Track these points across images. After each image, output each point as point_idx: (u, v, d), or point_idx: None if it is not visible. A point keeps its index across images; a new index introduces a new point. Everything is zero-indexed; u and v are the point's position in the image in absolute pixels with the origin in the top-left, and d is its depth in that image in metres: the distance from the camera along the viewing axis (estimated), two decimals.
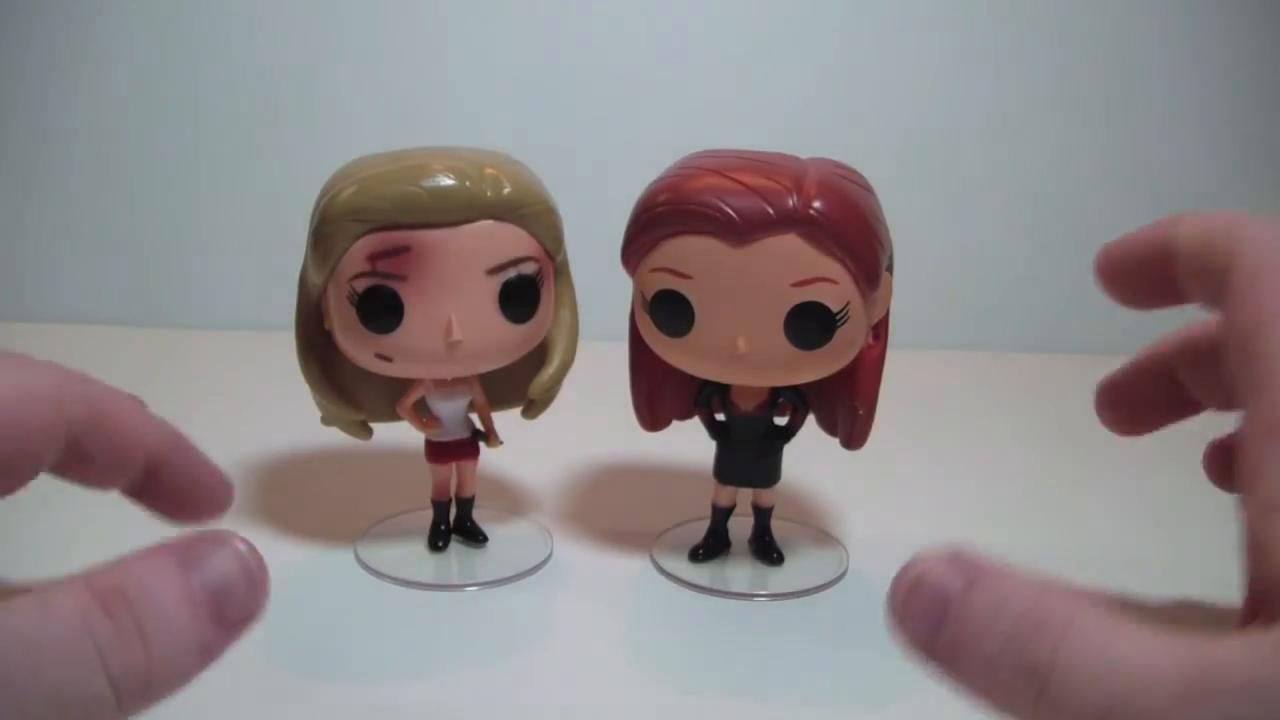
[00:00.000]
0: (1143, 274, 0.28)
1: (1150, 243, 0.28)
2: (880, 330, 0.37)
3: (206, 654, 0.21)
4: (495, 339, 0.35)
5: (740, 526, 0.40)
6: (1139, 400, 0.32)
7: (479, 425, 0.40)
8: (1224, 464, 0.32)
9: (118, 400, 0.27)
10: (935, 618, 0.22)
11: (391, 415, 0.39)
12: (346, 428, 0.39)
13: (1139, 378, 0.32)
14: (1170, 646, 0.19)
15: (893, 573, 0.41)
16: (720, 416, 0.39)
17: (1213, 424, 0.28)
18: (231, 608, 0.21)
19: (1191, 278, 0.26)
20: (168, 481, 0.29)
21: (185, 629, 0.20)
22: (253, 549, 0.23)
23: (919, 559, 0.22)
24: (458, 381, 0.38)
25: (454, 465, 0.40)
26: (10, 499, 0.25)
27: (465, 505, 0.40)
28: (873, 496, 0.46)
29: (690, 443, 0.40)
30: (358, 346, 0.35)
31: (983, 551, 0.22)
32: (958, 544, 0.22)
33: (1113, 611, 0.21)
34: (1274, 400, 0.22)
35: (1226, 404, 0.30)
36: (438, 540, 0.40)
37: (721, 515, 0.40)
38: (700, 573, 0.39)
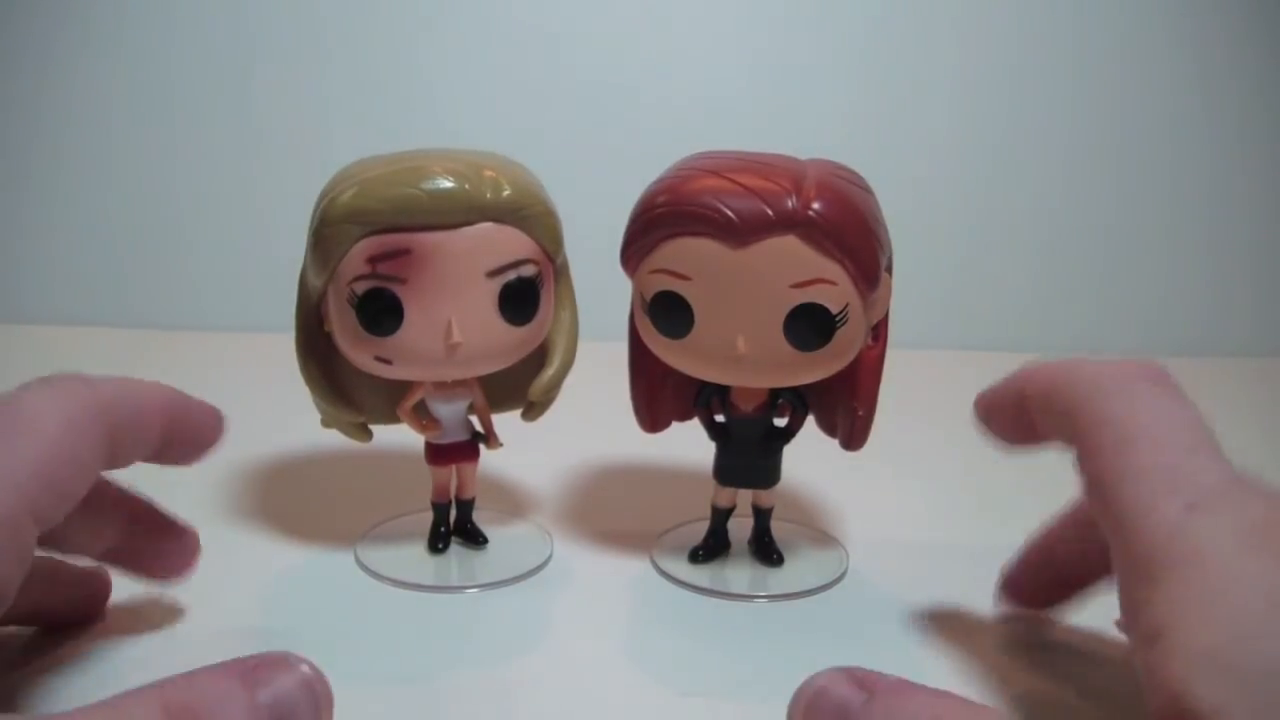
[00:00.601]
0: (1011, 420, 0.31)
1: (1010, 393, 0.29)
2: (880, 331, 0.37)
3: None
4: (495, 341, 0.35)
5: (740, 528, 0.40)
6: (1034, 590, 0.34)
7: (479, 427, 0.40)
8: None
9: (140, 392, 0.28)
10: None
11: (391, 417, 0.39)
12: (346, 430, 0.39)
13: (1027, 571, 0.34)
14: None
15: (893, 573, 0.42)
16: (720, 418, 0.39)
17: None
18: None
19: (1045, 424, 0.28)
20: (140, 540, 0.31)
21: None
22: (318, 673, 0.23)
23: (818, 677, 0.23)
24: (457, 384, 0.38)
25: (454, 467, 0.40)
26: None
27: (465, 507, 0.41)
28: (873, 497, 0.46)
29: (690, 444, 0.40)
30: (357, 349, 0.35)
31: (876, 672, 0.23)
32: (854, 666, 0.23)
33: None
34: (1131, 541, 0.23)
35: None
36: (437, 542, 0.40)
37: (721, 516, 0.40)
38: (700, 574, 0.39)
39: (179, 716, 0.20)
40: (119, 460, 0.27)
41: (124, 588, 0.36)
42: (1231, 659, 0.19)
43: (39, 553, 0.26)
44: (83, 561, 0.32)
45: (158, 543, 0.33)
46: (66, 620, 0.33)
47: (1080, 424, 0.26)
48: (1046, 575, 0.34)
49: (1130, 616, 0.23)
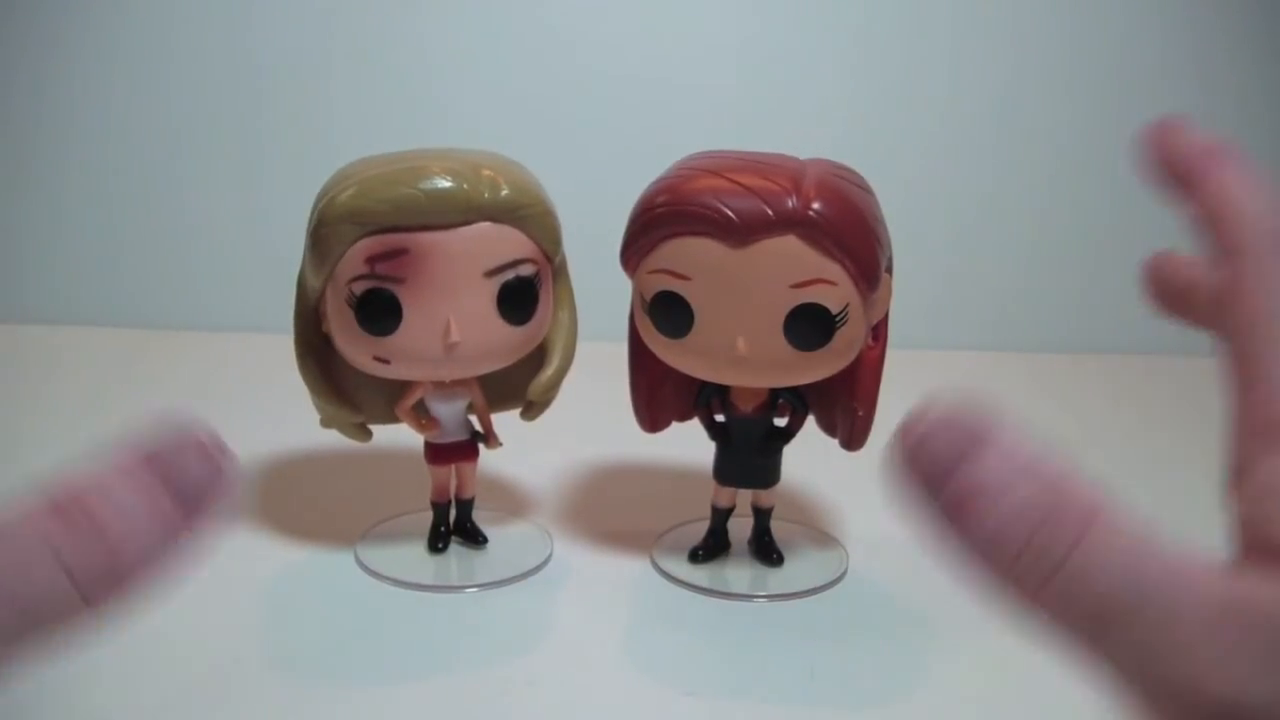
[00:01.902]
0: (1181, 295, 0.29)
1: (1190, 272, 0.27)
2: (880, 331, 0.37)
3: (172, 535, 0.20)
4: (494, 341, 0.35)
5: (740, 527, 0.40)
6: (1182, 291, 0.31)
7: (478, 427, 0.40)
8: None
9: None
10: (951, 462, 0.20)
11: (391, 417, 0.39)
12: (346, 430, 0.39)
13: (1183, 269, 0.31)
14: (1202, 559, 0.18)
15: (893, 573, 0.41)
16: (720, 418, 0.39)
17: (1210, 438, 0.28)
18: (188, 483, 0.21)
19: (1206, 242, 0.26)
20: None
21: (143, 511, 0.20)
22: (201, 425, 0.22)
23: (938, 402, 0.21)
24: (457, 383, 0.38)
25: (453, 467, 0.40)
26: None
27: (465, 507, 0.40)
28: (873, 497, 0.46)
29: (690, 444, 0.40)
30: (356, 349, 0.35)
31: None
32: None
33: (1139, 523, 0.20)
34: (1256, 401, 0.22)
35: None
36: (437, 541, 0.40)
37: (721, 516, 0.40)
38: (700, 574, 0.39)
39: (56, 496, 0.19)
40: None
41: None
42: None
43: None
44: None
45: None
46: None
47: (1238, 271, 0.25)
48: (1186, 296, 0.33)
49: (1237, 476, 0.21)
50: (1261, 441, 0.21)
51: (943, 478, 0.20)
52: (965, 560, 0.20)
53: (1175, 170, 0.27)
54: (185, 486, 0.21)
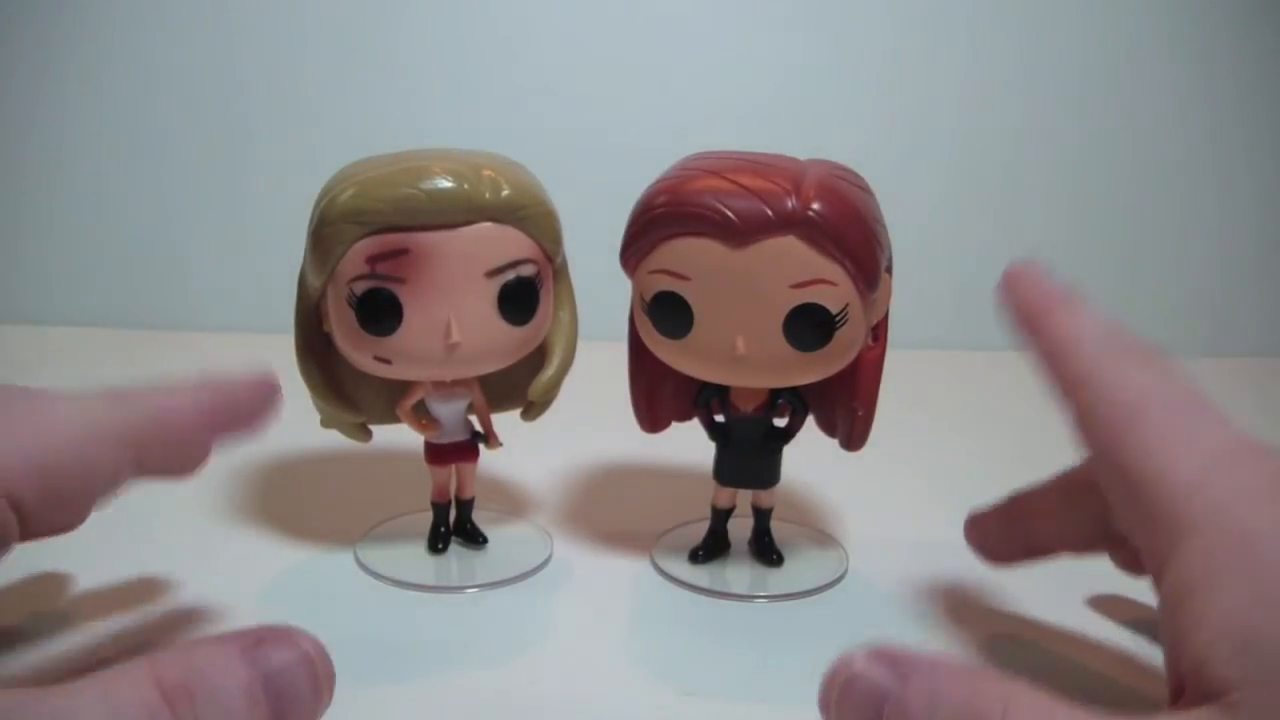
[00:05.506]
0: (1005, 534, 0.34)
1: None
2: (880, 331, 0.37)
3: None
4: (494, 341, 0.35)
5: (740, 528, 0.40)
6: (997, 539, 0.34)
7: (478, 427, 0.40)
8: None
9: (172, 406, 0.28)
10: (872, 716, 0.22)
11: (391, 417, 0.39)
12: (346, 430, 0.39)
13: (998, 520, 0.34)
14: None
15: (893, 573, 0.41)
16: (719, 418, 0.39)
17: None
18: (293, 711, 0.21)
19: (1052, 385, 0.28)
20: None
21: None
22: (319, 649, 0.22)
23: (847, 659, 0.23)
24: (457, 384, 0.38)
25: (453, 467, 0.40)
26: None
27: (465, 507, 0.40)
28: (872, 497, 0.46)
29: (690, 444, 0.40)
30: (356, 349, 0.35)
31: (905, 648, 0.23)
32: (880, 642, 0.23)
33: (1045, 700, 0.21)
34: (1151, 505, 0.23)
35: (1079, 548, 0.32)
36: (437, 542, 0.40)
37: (721, 516, 0.40)
38: (700, 574, 0.39)
39: (173, 694, 0.19)
40: (153, 470, 0.27)
41: (120, 585, 0.36)
42: (1256, 630, 0.19)
43: None
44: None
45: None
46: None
47: (1083, 398, 0.26)
48: (1014, 532, 0.35)
49: (1156, 578, 0.23)
50: (1165, 540, 0.22)
51: None
52: None
53: (1022, 315, 0.30)
54: (288, 707, 0.21)
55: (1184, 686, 0.20)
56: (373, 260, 0.33)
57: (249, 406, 0.30)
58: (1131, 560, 0.32)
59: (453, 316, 0.34)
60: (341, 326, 0.35)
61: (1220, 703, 0.19)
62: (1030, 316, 0.29)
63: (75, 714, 0.18)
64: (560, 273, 0.38)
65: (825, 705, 0.23)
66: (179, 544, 0.40)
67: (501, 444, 0.40)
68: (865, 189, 0.35)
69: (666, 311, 0.35)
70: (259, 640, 0.21)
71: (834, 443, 0.39)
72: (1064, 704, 0.21)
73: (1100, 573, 0.34)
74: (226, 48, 0.69)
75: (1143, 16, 0.70)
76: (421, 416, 0.39)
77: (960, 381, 0.65)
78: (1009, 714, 0.20)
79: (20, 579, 0.36)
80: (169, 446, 0.28)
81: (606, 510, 0.45)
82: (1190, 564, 0.21)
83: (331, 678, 0.22)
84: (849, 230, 0.33)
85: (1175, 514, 0.22)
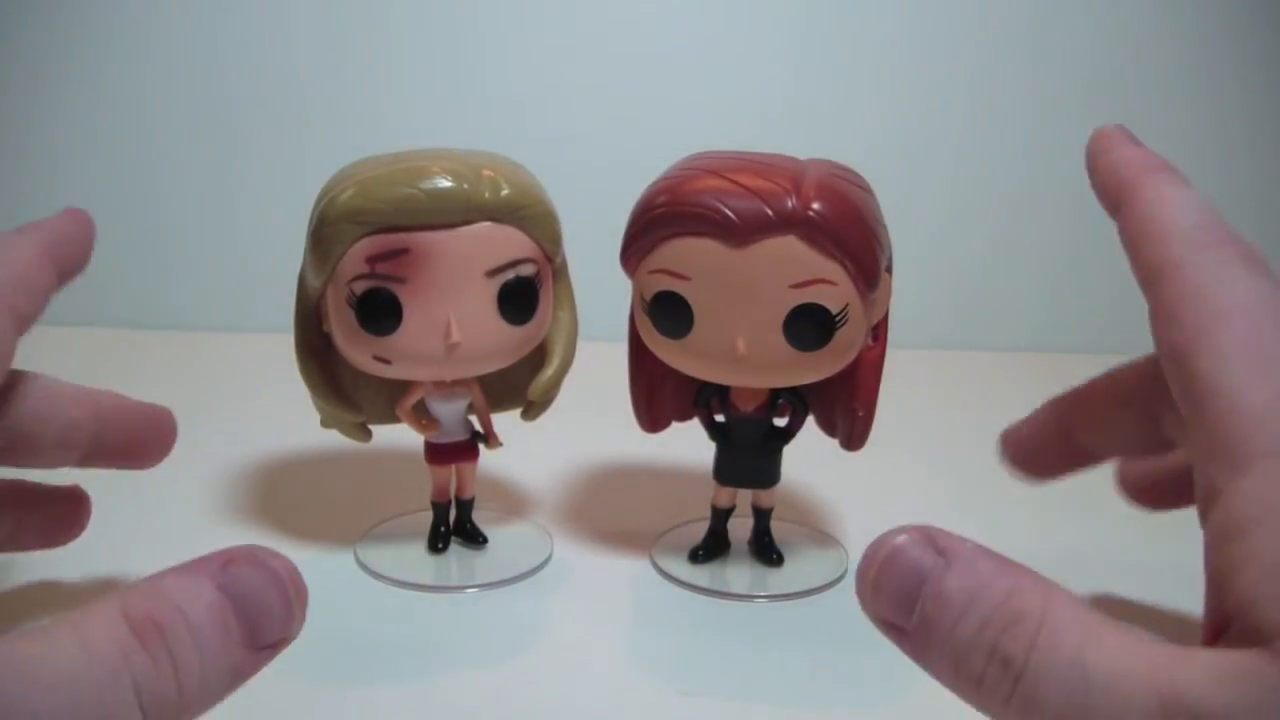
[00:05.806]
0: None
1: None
2: (880, 331, 0.37)
3: (237, 677, 0.21)
4: (494, 341, 0.35)
5: (740, 527, 0.40)
6: (1037, 451, 0.33)
7: (478, 427, 0.40)
8: (1139, 485, 0.33)
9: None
10: (909, 595, 0.21)
11: (391, 417, 0.39)
12: (346, 430, 0.39)
13: (1037, 429, 0.33)
14: (1142, 656, 0.19)
15: None
16: (720, 418, 0.39)
17: None
18: (265, 630, 0.21)
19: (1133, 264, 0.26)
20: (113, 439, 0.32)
21: (218, 654, 0.20)
22: (289, 567, 0.22)
23: (892, 534, 0.22)
24: (457, 383, 0.38)
25: (453, 467, 0.40)
26: None
27: (465, 507, 0.40)
28: (873, 497, 0.46)
29: (690, 443, 0.40)
30: (356, 349, 0.35)
31: (954, 534, 0.22)
32: (929, 525, 0.22)
33: (1085, 609, 0.20)
34: (1216, 424, 0.21)
35: (1122, 452, 0.31)
36: (437, 542, 0.40)
37: (721, 516, 0.40)
38: (700, 574, 0.39)
39: (144, 632, 0.19)
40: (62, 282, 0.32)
41: (120, 586, 0.36)
42: None
43: (11, 475, 0.29)
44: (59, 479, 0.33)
45: (132, 433, 0.32)
46: (47, 543, 0.33)
47: (1165, 291, 0.23)
48: (1056, 440, 0.33)
49: (1206, 504, 0.21)
50: (1224, 465, 0.20)
51: (905, 609, 0.21)
52: (934, 675, 0.21)
53: (1108, 186, 0.27)
54: (260, 626, 0.21)
55: (1226, 624, 0.19)
56: (372, 260, 0.33)
57: (76, 236, 0.35)
58: (1160, 483, 0.31)
59: (453, 316, 0.34)
60: (341, 326, 0.35)
61: (1271, 648, 0.18)
62: (1117, 188, 0.26)
63: (52, 661, 0.18)
64: (560, 272, 0.38)
65: (863, 577, 0.22)
66: (179, 544, 0.40)
67: (501, 444, 0.40)
68: (865, 189, 0.35)
69: (667, 311, 0.35)
70: (226, 562, 0.21)
71: (834, 443, 0.39)
72: (1102, 624, 0.20)
73: (1102, 574, 0.34)
74: (226, 48, 0.69)
75: (1149, 19, 0.70)
76: (421, 416, 0.39)
77: (960, 381, 0.65)
78: (1048, 613, 0.20)
79: (20, 579, 0.36)
80: (72, 263, 0.34)
81: (606, 510, 0.45)
82: (1247, 498, 0.19)
83: (304, 594, 0.21)
84: (849, 230, 0.33)
85: (1239, 440, 0.20)
